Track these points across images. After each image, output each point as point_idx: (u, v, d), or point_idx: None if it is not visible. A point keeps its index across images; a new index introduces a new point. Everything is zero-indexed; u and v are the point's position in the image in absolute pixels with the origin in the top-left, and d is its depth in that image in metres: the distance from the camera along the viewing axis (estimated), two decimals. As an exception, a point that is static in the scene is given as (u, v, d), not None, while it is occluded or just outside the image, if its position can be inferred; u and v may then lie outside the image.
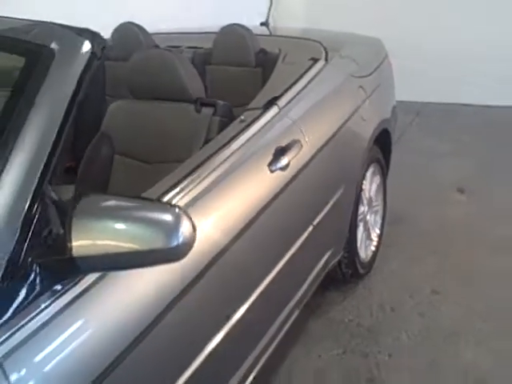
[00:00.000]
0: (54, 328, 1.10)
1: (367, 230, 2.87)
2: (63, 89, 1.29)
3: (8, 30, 1.44)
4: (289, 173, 1.90)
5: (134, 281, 1.28)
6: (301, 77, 2.26)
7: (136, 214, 1.13)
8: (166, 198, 1.46)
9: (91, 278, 1.19)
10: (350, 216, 2.58)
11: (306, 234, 2.09)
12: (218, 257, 1.56)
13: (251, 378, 1.86)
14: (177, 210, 1.15)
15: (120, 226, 1.12)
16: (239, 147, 1.79)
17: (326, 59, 2.50)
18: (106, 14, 3.72)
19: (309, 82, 2.26)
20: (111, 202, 1.15)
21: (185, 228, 1.13)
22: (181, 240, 1.12)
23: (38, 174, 1.16)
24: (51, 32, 1.38)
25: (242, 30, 2.65)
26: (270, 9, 3.28)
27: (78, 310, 1.16)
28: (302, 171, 1.99)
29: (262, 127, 1.90)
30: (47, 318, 1.09)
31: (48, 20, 1.45)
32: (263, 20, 3.40)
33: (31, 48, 1.34)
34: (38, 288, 1.10)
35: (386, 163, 3.02)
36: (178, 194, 1.51)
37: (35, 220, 1.11)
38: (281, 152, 1.87)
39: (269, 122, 1.94)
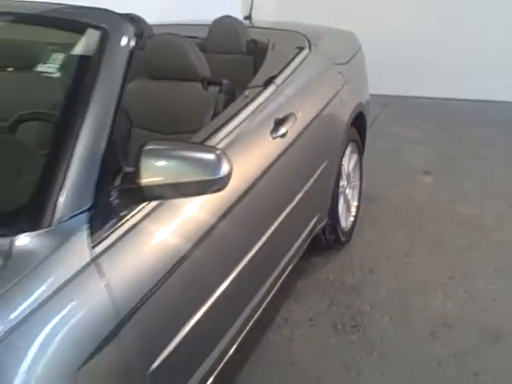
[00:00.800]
0: (133, 235, 1.46)
1: (347, 203, 3.26)
2: (118, 62, 1.63)
3: (65, 13, 1.77)
4: (286, 140, 2.27)
5: (177, 212, 1.63)
6: (290, 62, 2.64)
7: (189, 153, 1.48)
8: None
9: (149, 207, 1.54)
10: (333, 187, 2.97)
11: (299, 196, 2.46)
12: (231, 209, 1.89)
13: (251, 322, 2.20)
14: (218, 151, 1.51)
15: (176, 162, 1.46)
16: (245, 118, 2.14)
17: (310, 48, 2.88)
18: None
19: (297, 67, 2.64)
20: (168, 145, 1.50)
21: (225, 164, 1.49)
22: (222, 173, 1.47)
23: (110, 126, 1.50)
24: (103, 15, 1.72)
25: (234, 21, 3.01)
26: (251, 4, 3.62)
27: (141, 229, 1.50)
28: (297, 140, 2.36)
29: (263, 102, 2.26)
30: (132, 223, 1.46)
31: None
32: (246, 14, 3.75)
33: (89, 28, 1.68)
34: (114, 207, 1.45)
35: (362, 144, 3.42)
36: None
37: (111, 161, 1.46)
38: (280, 122, 2.24)
39: (268, 97, 2.30)
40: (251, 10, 3.69)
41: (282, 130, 2.22)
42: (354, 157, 3.32)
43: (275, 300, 2.51)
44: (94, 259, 1.36)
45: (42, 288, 1.25)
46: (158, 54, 2.39)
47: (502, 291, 2.86)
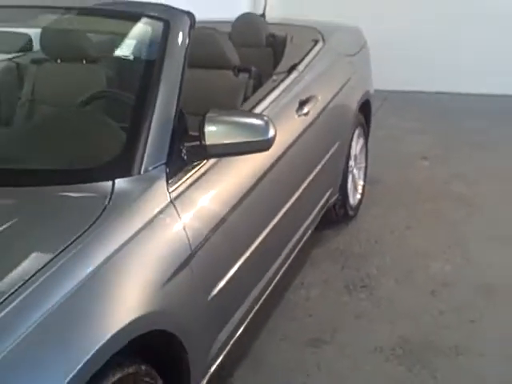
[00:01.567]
0: (198, 184, 1.83)
1: (354, 182, 3.64)
2: (180, 46, 2.00)
3: (130, 6, 2.14)
4: (308, 119, 2.65)
5: (235, 166, 2.01)
6: (308, 52, 3.02)
7: (242, 119, 1.86)
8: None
9: (209, 163, 1.91)
10: (344, 166, 3.35)
11: (317, 169, 2.83)
12: (265, 174, 2.26)
13: (276, 280, 2.57)
14: (266, 117, 1.88)
15: (232, 126, 1.83)
16: (275, 98, 2.51)
17: (324, 41, 3.26)
18: None
19: (314, 56, 3.02)
20: (226, 113, 1.87)
21: (271, 128, 1.86)
22: (270, 135, 1.85)
23: (177, 98, 1.87)
24: (165, 9, 2.09)
25: (255, 17, 3.39)
26: (265, 3, 3.98)
27: (204, 179, 1.88)
28: (317, 119, 2.74)
29: (289, 85, 2.64)
30: (198, 175, 1.84)
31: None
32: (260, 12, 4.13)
33: (155, 19, 2.05)
34: (185, 161, 1.82)
35: (367, 129, 3.81)
36: None
37: (180, 126, 1.84)
38: (303, 103, 2.61)
39: (292, 81, 2.69)
40: (265, 8, 4.06)
41: (305, 110, 2.60)
42: (361, 140, 3.70)
43: (293, 265, 2.87)
44: (172, 201, 1.73)
45: (136, 221, 1.61)
46: (195, 45, 2.75)
47: (494, 256, 3.25)
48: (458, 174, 4.31)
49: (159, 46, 1.96)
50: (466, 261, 3.23)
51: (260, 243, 2.22)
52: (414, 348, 2.57)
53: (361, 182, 3.77)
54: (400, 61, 6.03)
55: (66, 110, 2.03)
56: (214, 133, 1.81)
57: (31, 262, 1.37)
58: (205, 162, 1.90)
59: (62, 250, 1.41)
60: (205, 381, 1.93)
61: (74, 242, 1.44)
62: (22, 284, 1.31)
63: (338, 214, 3.50)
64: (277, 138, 2.41)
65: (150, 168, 1.73)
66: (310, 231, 2.98)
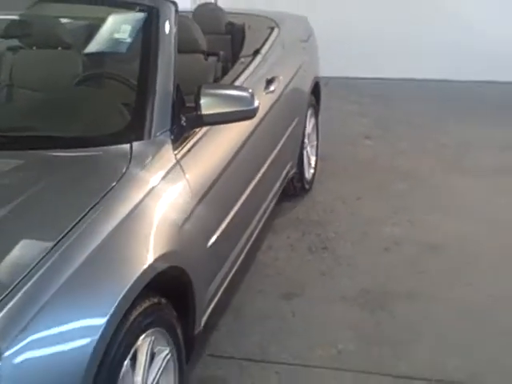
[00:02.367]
0: (197, 147, 2.18)
1: (308, 157, 4.04)
2: (169, 29, 2.33)
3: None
4: (273, 96, 3.02)
5: (222, 136, 2.36)
6: (267, 37, 3.40)
7: (232, 92, 2.21)
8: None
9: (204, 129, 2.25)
10: (300, 142, 3.75)
11: (281, 143, 3.22)
12: (245, 142, 2.63)
13: (253, 238, 2.95)
14: (250, 90, 2.24)
15: (224, 97, 2.19)
16: (245, 78, 2.87)
17: (279, 28, 3.65)
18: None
19: (273, 42, 3.40)
20: (217, 86, 2.22)
21: (256, 99, 2.22)
22: (255, 104, 2.21)
23: (173, 73, 2.21)
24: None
25: (214, 6, 3.74)
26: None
27: (201, 143, 2.22)
28: (280, 97, 3.12)
29: (256, 67, 3.01)
30: (194, 141, 2.17)
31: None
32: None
33: (146, 7, 2.37)
34: (185, 128, 2.16)
35: (318, 110, 4.22)
36: None
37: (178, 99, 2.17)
38: (269, 82, 2.98)
39: (258, 64, 3.05)
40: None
41: (272, 88, 2.97)
42: (313, 120, 4.11)
43: (260, 233, 3.24)
44: (177, 161, 2.07)
45: (152, 176, 1.95)
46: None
47: (436, 220, 3.72)
48: (398, 151, 4.79)
49: (153, 30, 2.29)
50: (412, 224, 3.69)
51: (242, 203, 2.58)
52: (373, 296, 2.99)
53: (313, 158, 4.18)
54: (340, 49, 6.48)
55: (78, 88, 2.32)
56: (208, 104, 2.16)
57: (79, 206, 1.69)
58: (199, 129, 2.25)
59: (102, 198, 1.73)
60: (204, 319, 2.28)
61: (109, 191, 1.76)
62: (76, 224, 1.62)
63: (295, 187, 3.89)
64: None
65: (158, 134, 2.06)
66: (275, 199, 3.36)
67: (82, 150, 1.93)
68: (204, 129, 2.28)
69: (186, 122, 2.16)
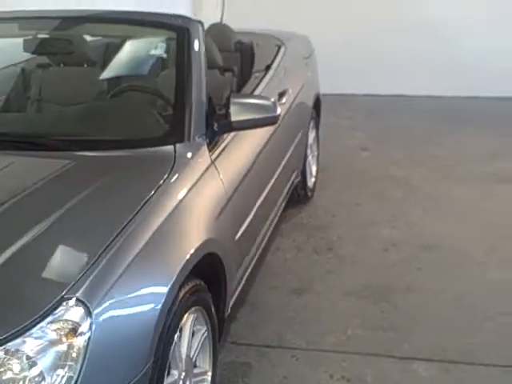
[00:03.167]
0: (228, 149, 2.50)
1: (310, 167, 4.38)
2: (199, 46, 2.66)
3: (153, 17, 2.78)
4: (285, 107, 3.36)
5: (246, 141, 2.68)
6: (276, 54, 3.75)
7: (257, 101, 2.54)
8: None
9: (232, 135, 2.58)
10: (304, 152, 4.09)
11: (290, 152, 3.55)
12: (264, 147, 2.96)
13: (267, 237, 3.27)
14: (273, 99, 2.57)
15: (251, 105, 2.51)
16: (261, 91, 3.21)
17: (285, 46, 4.00)
18: None
19: (282, 58, 3.75)
20: (245, 96, 2.55)
21: (278, 107, 2.55)
22: (278, 112, 2.54)
23: (205, 85, 2.54)
24: (180, 18, 2.74)
25: (224, 26, 4.08)
26: (222, 11, 4.67)
27: (231, 146, 2.55)
28: (289, 109, 3.46)
29: (269, 81, 3.35)
30: (224, 145, 2.49)
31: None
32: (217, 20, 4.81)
33: (176, 27, 2.70)
34: (217, 133, 2.48)
35: (318, 123, 4.57)
36: None
37: (210, 107, 2.50)
38: (281, 95, 3.32)
39: (271, 78, 3.39)
40: (222, 17, 4.76)
41: (283, 100, 3.31)
42: (314, 132, 4.46)
43: (268, 236, 3.57)
44: (212, 162, 2.39)
45: (194, 174, 2.27)
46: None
47: (430, 224, 4.07)
48: (393, 161, 5.16)
49: (186, 48, 2.61)
50: (409, 227, 4.03)
51: (260, 203, 2.90)
52: (376, 290, 3.31)
53: (314, 168, 4.52)
54: (334, 67, 6.86)
55: (119, 99, 2.64)
56: (236, 111, 2.48)
57: (137, 197, 1.99)
58: (227, 135, 2.57)
59: (155, 191, 2.04)
60: (231, 304, 2.59)
61: (160, 186, 2.07)
62: (137, 212, 1.93)
63: (299, 195, 4.22)
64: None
65: (196, 137, 2.38)
66: (284, 203, 3.68)
67: (133, 151, 2.25)
68: (231, 134, 2.60)
69: (217, 128, 2.49)
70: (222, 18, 4.77)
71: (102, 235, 1.80)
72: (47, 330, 1.55)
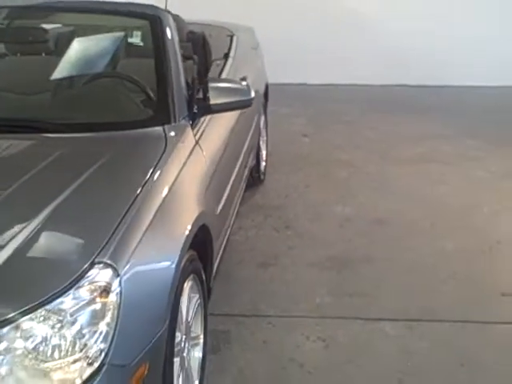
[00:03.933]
0: (207, 129, 2.66)
1: (261, 151, 4.59)
2: (172, 34, 2.81)
3: (124, 7, 2.90)
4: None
5: (220, 125, 2.85)
6: (230, 44, 3.92)
7: (232, 85, 2.71)
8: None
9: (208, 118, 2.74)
10: (258, 136, 4.29)
11: (250, 134, 3.74)
12: (232, 130, 3.14)
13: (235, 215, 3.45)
14: (246, 83, 2.75)
15: (228, 89, 2.68)
16: (225, 77, 3.38)
17: (236, 36, 4.18)
18: None
19: (236, 47, 3.93)
20: (222, 80, 2.72)
21: (252, 91, 2.73)
22: (252, 95, 2.72)
23: (182, 72, 2.68)
24: (150, 8, 2.87)
25: (175, 16, 4.20)
26: (166, 3, 4.78)
27: (207, 128, 2.71)
28: (249, 94, 3.64)
29: (230, 67, 3.52)
30: (204, 127, 2.65)
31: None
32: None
33: (149, 16, 2.83)
34: (197, 115, 2.63)
35: (266, 109, 4.79)
36: None
37: (193, 91, 2.65)
38: (242, 79, 3.50)
39: (231, 65, 3.57)
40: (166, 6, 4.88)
41: (244, 84, 3.48)
42: (263, 118, 4.66)
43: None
44: (196, 141, 2.55)
45: (183, 153, 2.41)
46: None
47: (375, 200, 4.36)
48: (333, 145, 5.45)
49: (160, 35, 2.75)
50: (358, 204, 4.31)
51: (232, 181, 3.08)
52: (337, 262, 3.55)
53: (264, 152, 4.73)
54: (269, 58, 7.09)
55: (98, 86, 2.75)
56: (214, 95, 2.65)
57: (140, 172, 2.13)
58: (204, 118, 2.73)
59: (154, 168, 2.18)
60: (215, 268, 2.75)
61: (158, 162, 2.22)
62: (143, 185, 2.07)
63: (253, 177, 4.42)
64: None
65: (180, 119, 2.53)
66: (244, 185, 3.86)
67: (127, 132, 2.38)
68: (208, 117, 2.76)
69: (197, 110, 2.64)
70: (166, 6, 4.89)
71: (117, 207, 1.93)
72: (82, 291, 1.68)
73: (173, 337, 2.02)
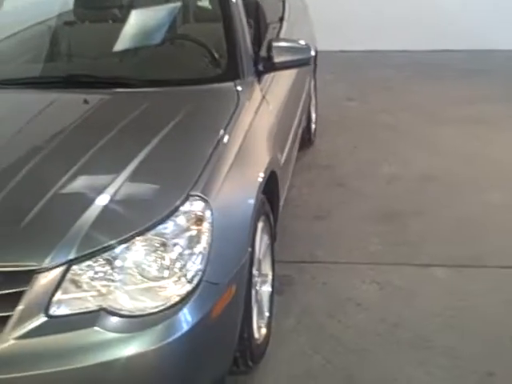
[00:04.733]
0: (272, 85, 2.90)
1: (311, 114, 4.80)
2: (237, 2, 3.02)
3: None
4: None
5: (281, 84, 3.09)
6: (284, 8, 4.12)
7: (295, 44, 2.92)
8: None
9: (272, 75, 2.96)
10: (309, 98, 4.50)
11: (304, 94, 3.95)
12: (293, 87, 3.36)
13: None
14: (307, 43, 2.96)
15: (290, 48, 2.89)
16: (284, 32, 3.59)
17: (288, 1, 4.37)
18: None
19: (289, 11, 4.12)
20: (284, 40, 2.94)
21: (312, 49, 2.94)
22: (312, 53, 2.93)
23: (247, 33, 2.91)
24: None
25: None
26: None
27: (271, 85, 2.94)
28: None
29: (286, 30, 3.73)
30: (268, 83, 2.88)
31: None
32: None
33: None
34: (263, 72, 2.86)
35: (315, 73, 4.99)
36: None
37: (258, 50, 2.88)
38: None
39: (286, 28, 3.77)
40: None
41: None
42: (313, 81, 4.86)
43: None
44: (263, 96, 2.78)
45: (254, 105, 2.65)
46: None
47: (422, 159, 4.54)
48: (379, 109, 5.61)
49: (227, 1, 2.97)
50: (405, 163, 4.49)
51: (292, 135, 3.32)
52: (387, 215, 3.77)
53: (314, 115, 4.94)
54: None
55: (175, 46, 3.00)
56: (278, 53, 2.86)
57: (219, 122, 2.38)
58: (267, 75, 2.96)
59: (231, 117, 2.43)
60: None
61: (234, 113, 2.46)
62: (223, 133, 2.32)
63: (304, 138, 4.63)
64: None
65: (248, 75, 2.76)
66: (299, 142, 4.09)
67: (202, 86, 2.64)
68: (271, 76, 2.99)
69: (262, 68, 2.87)
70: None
71: (203, 150, 2.19)
72: (180, 219, 1.93)
73: (251, 266, 2.28)
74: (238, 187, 2.21)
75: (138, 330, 1.80)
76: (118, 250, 1.85)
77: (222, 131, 2.32)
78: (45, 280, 1.77)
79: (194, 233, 1.94)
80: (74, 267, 1.80)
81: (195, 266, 1.91)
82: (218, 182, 2.09)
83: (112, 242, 1.84)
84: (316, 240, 3.51)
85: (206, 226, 1.96)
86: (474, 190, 4.05)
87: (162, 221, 1.90)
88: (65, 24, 3.31)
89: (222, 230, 2.02)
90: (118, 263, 1.84)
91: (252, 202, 2.24)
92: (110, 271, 1.84)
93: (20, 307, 1.75)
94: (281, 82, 3.17)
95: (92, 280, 1.82)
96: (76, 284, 1.81)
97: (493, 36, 7.18)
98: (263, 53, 2.90)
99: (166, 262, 1.89)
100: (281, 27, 3.74)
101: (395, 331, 2.75)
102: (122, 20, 3.06)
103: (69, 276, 1.80)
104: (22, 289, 1.75)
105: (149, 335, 1.80)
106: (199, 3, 3.05)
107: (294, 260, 3.32)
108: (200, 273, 1.91)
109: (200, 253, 1.93)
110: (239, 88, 2.66)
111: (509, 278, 3.14)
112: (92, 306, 1.80)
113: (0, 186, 1.97)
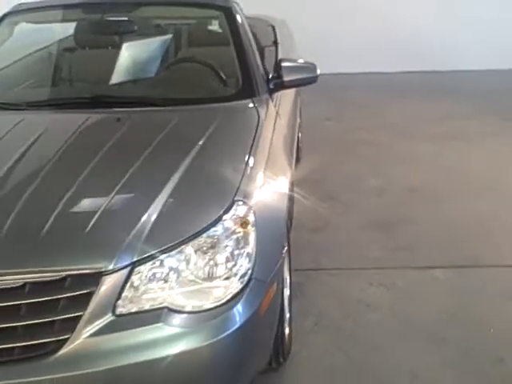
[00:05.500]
0: (281, 101, 3.08)
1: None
2: (243, 24, 3.21)
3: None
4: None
5: (286, 101, 3.27)
6: (275, 33, 4.33)
7: (303, 64, 3.12)
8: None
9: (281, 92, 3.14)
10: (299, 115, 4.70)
11: (298, 109, 4.15)
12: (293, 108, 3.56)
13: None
14: (313, 62, 3.15)
15: (298, 68, 3.09)
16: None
17: (277, 27, 4.59)
18: None
19: (280, 35, 4.33)
20: (292, 60, 3.13)
21: (318, 68, 3.13)
22: (318, 72, 3.12)
23: (256, 53, 3.09)
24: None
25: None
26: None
27: (281, 99, 3.12)
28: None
29: (281, 52, 3.92)
30: (278, 100, 3.06)
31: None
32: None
33: (222, 7, 3.23)
34: (273, 90, 3.04)
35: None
36: None
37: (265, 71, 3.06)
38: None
39: (281, 50, 3.97)
40: None
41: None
42: (299, 100, 5.07)
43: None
44: (277, 112, 2.96)
45: (271, 121, 2.82)
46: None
47: (404, 172, 4.79)
48: (357, 127, 5.87)
49: (236, 24, 3.15)
50: (390, 177, 4.73)
51: (293, 150, 3.51)
52: (382, 224, 3.96)
53: (299, 134, 5.13)
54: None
55: (193, 67, 3.17)
56: (287, 72, 3.05)
57: (247, 138, 2.54)
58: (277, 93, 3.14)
59: (256, 131, 2.59)
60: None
61: (258, 127, 2.63)
62: (251, 146, 2.48)
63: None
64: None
65: (262, 93, 2.94)
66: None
67: (224, 104, 2.81)
68: (279, 94, 3.17)
69: (273, 86, 3.05)
70: None
71: (239, 160, 2.35)
72: (228, 223, 2.07)
73: (283, 265, 2.43)
74: (271, 192, 2.37)
75: (199, 325, 1.93)
76: (174, 252, 1.97)
77: (250, 142, 2.48)
78: (111, 281, 1.88)
79: (240, 234, 2.08)
80: (137, 268, 1.92)
81: (245, 264, 2.04)
82: (256, 188, 2.25)
83: (169, 244, 1.96)
84: (318, 249, 3.68)
85: (250, 227, 2.11)
86: (460, 199, 4.30)
87: (212, 225, 2.04)
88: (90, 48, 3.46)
89: (263, 230, 2.16)
90: (174, 264, 1.97)
91: (284, 204, 2.40)
92: (168, 272, 1.96)
93: (90, 307, 1.85)
94: (286, 100, 3.36)
95: (152, 281, 1.94)
96: (138, 284, 1.92)
97: (462, 57, 7.59)
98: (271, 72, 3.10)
99: (218, 263, 2.02)
100: (277, 49, 3.94)
101: (408, 327, 2.92)
102: (148, 47, 3.23)
103: (132, 277, 1.91)
104: (90, 290, 1.86)
105: (207, 329, 1.93)
106: (209, 27, 3.23)
107: (301, 268, 3.45)
108: (249, 271, 2.04)
109: (248, 252, 2.07)
110: (258, 105, 2.84)
111: (504, 275, 3.36)
112: (155, 304, 1.92)
113: (60, 197, 2.08)
